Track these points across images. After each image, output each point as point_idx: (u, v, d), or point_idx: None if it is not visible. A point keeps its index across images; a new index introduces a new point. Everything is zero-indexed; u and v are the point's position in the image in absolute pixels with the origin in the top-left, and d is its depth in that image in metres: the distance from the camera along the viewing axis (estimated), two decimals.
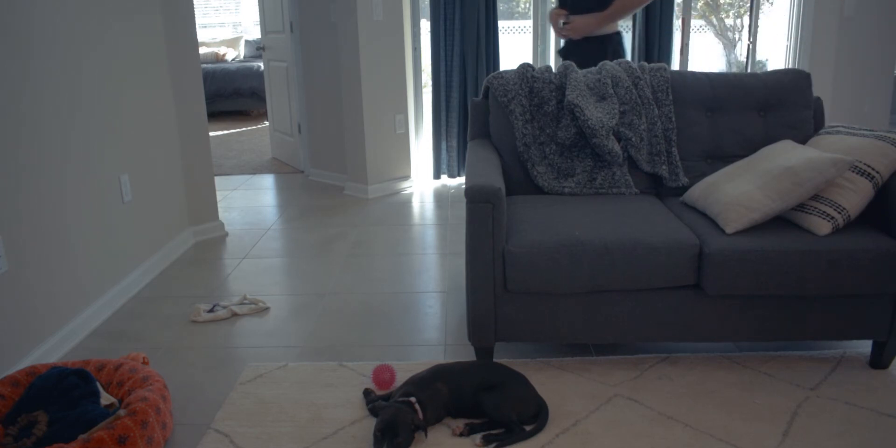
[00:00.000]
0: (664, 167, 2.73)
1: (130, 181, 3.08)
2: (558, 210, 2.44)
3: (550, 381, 2.24)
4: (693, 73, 2.82)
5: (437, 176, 5.02)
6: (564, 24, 3.28)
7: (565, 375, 2.28)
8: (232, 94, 8.15)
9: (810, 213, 2.23)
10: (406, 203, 4.46)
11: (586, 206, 2.50)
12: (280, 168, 5.62)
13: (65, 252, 2.58)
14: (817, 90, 5.10)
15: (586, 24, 3.25)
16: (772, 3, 5.71)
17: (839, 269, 2.14)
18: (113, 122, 2.95)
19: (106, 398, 2.00)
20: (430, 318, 2.76)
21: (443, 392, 2.01)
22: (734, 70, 8.83)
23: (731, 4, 9.30)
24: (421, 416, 1.92)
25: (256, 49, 9.22)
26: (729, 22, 9.28)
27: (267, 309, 2.89)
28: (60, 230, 2.55)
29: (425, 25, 4.90)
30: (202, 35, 9.49)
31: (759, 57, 5.72)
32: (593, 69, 2.88)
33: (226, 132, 7.44)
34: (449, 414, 2.04)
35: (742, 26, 9.08)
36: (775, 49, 5.44)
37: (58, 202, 2.54)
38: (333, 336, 2.63)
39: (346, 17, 4.39)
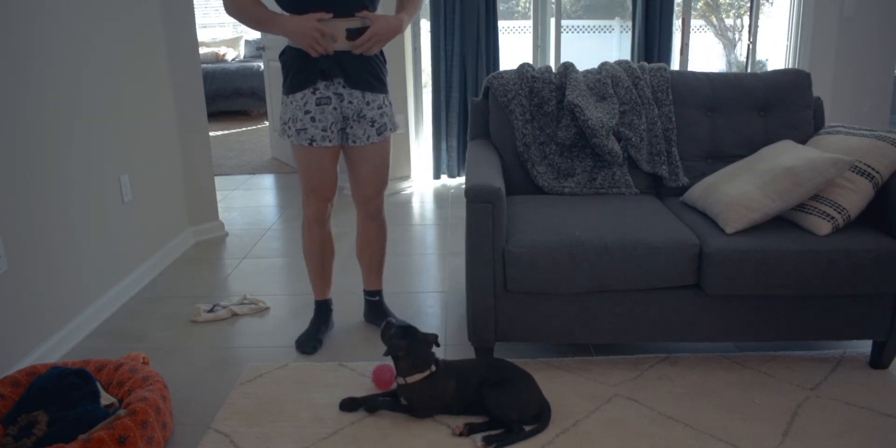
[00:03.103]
0: (664, 167, 2.73)
1: (130, 181, 3.08)
2: (558, 210, 2.44)
3: (550, 381, 2.24)
4: (693, 73, 2.82)
5: (437, 176, 5.02)
6: (356, 31, 2.16)
7: (565, 375, 2.28)
8: (232, 94, 8.15)
9: (810, 213, 2.23)
10: (406, 203, 4.46)
11: (586, 206, 2.50)
12: (280, 168, 5.62)
13: (65, 252, 2.58)
14: (817, 90, 5.10)
15: (397, 27, 2.22)
16: (772, 3, 5.71)
17: (839, 269, 2.14)
18: (113, 122, 2.95)
19: (106, 398, 2.00)
20: (430, 318, 2.76)
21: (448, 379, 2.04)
22: (734, 70, 8.84)
23: (731, 4, 9.31)
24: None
25: (256, 49, 9.21)
26: (729, 22, 9.29)
27: (267, 309, 2.89)
28: (60, 230, 2.55)
29: (425, 25, 4.90)
30: (202, 35, 9.48)
31: (759, 57, 5.72)
32: (593, 69, 2.88)
33: (226, 132, 7.44)
34: (450, 410, 2.04)
35: (742, 26, 9.08)
36: (775, 49, 5.44)
37: (58, 202, 2.54)
38: (333, 336, 2.62)
39: None
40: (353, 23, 2.18)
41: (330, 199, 2.45)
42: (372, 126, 2.34)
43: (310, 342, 2.51)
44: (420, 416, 2.05)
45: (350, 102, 2.29)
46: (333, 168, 2.40)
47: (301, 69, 2.25)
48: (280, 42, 5.47)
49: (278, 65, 5.90)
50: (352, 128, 2.33)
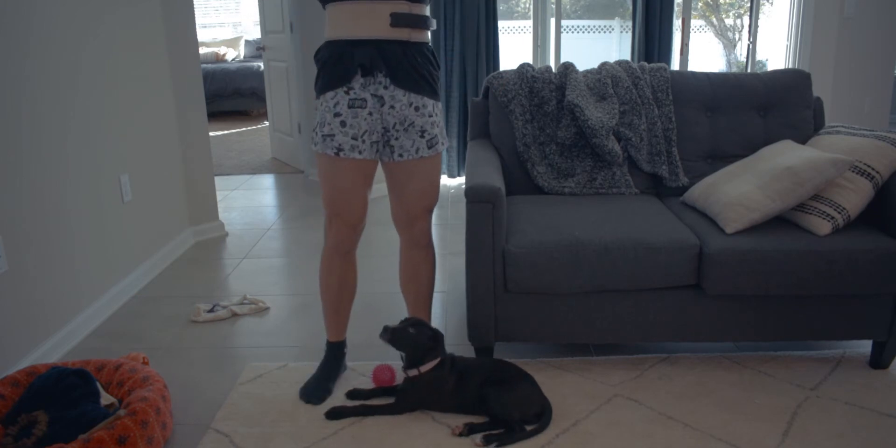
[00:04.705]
0: (664, 167, 2.73)
1: (130, 181, 3.08)
2: (558, 210, 2.44)
3: (550, 381, 2.24)
4: (693, 73, 2.82)
5: None
6: (403, 17, 1.91)
7: (565, 375, 2.28)
8: (232, 94, 8.16)
9: (810, 213, 2.23)
10: None
11: (586, 206, 2.50)
12: (280, 168, 5.62)
13: (65, 252, 2.58)
14: (817, 90, 5.10)
15: None
16: (772, 3, 5.71)
17: (839, 269, 2.14)
18: (113, 122, 2.95)
19: (106, 398, 2.00)
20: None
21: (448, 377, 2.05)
22: (734, 70, 8.84)
23: (731, 4, 9.31)
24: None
25: (256, 49, 9.23)
26: (729, 22, 9.29)
27: (267, 309, 2.89)
28: (60, 230, 2.55)
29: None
30: (202, 35, 9.49)
31: (759, 57, 5.73)
32: (593, 69, 2.88)
33: (226, 132, 7.44)
34: (440, 407, 2.05)
35: (742, 26, 9.08)
36: (775, 49, 5.44)
37: (58, 202, 2.54)
38: None
39: None
40: (400, 7, 1.90)
41: (356, 226, 2.08)
42: (422, 136, 2.00)
43: (318, 392, 2.15)
44: (398, 412, 2.06)
45: (392, 107, 1.96)
46: (363, 188, 2.04)
47: (337, 64, 1.92)
48: (278, 42, 5.46)
49: (278, 65, 5.88)
50: (397, 139, 2.00)
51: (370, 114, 1.96)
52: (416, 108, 1.98)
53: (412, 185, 2.08)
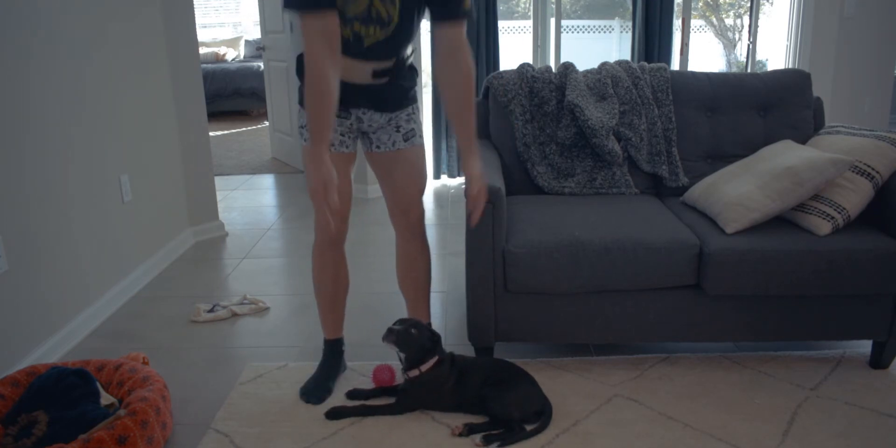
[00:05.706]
0: (664, 167, 2.73)
1: (130, 181, 3.08)
2: (558, 210, 2.44)
3: (550, 381, 2.24)
4: (693, 73, 2.82)
5: (437, 176, 5.02)
6: (382, 72, 2.02)
7: (565, 375, 2.28)
8: (232, 94, 8.16)
9: (810, 213, 2.23)
10: None
11: (586, 206, 2.50)
12: (280, 168, 5.62)
13: (65, 252, 2.58)
14: (817, 90, 5.10)
15: (479, 165, 2.03)
16: (772, 3, 5.71)
17: (839, 269, 2.14)
18: (113, 122, 2.95)
19: (106, 398, 2.00)
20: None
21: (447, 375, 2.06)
22: (734, 70, 8.84)
23: (731, 4, 9.31)
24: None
25: (256, 49, 9.23)
26: (729, 22, 9.29)
27: (267, 309, 2.89)
28: (60, 230, 2.55)
29: (425, 25, 4.89)
30: (202, 35, 9.49)
31: (759, 57, 5.73)
32: (593, 69, 2.88)
33: (226, 132, 7.44)
34: (440, 406, 2.06)
35: (742, 26, 9.08)
36: (775, 49, 5.44)
37: (58, 202, 2.54)
38: None
39: None
40: (384, 65, 2.02)
41: (344, 215, 2.17)
42: (398, 131, 2.11)
43: (318, 392, 2.18)
44: (398, 412, 2.06)
45: (370, 124, 2.10)
46: (347, 177, 2.15)
47: None
48: (278, 42, 5.46)
49: (278, 65, 5.87)
50: (374, 133, 2.12)
51: (351, 124, 2.10)
52: (393, 118, 2.11)
53: (398, 171, 2.16)
